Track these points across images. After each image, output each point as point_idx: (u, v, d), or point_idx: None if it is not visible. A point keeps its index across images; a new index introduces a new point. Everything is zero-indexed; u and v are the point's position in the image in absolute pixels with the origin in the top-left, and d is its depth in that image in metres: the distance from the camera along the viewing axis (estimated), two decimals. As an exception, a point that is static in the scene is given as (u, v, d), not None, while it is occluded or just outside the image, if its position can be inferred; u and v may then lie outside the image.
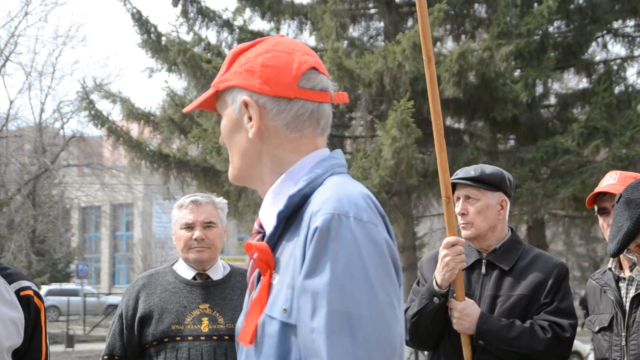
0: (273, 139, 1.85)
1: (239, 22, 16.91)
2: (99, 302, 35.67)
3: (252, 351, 1.81)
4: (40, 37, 42.54)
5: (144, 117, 16.57)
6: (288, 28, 16.82)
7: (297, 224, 1.79)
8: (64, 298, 33.33)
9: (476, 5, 16.25)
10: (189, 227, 3.74)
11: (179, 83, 29.76)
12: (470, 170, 3.64)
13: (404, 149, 13.12)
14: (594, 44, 16.54)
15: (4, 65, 28.70)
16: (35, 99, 72.17)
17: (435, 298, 3.49)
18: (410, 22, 16.23)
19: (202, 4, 16.73)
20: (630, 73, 30.65)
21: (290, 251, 1.78)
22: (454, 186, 3.64)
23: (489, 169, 3.66)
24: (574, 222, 17.41)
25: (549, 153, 14.34)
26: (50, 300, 33.89)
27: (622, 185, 3.39)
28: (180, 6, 16.58)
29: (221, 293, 3.74)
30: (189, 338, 3.64)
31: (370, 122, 14.82)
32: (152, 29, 16.22)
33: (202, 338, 3.64)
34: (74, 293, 34.82)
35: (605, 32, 16.55)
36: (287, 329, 1.73)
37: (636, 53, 16.78)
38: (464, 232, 3.64)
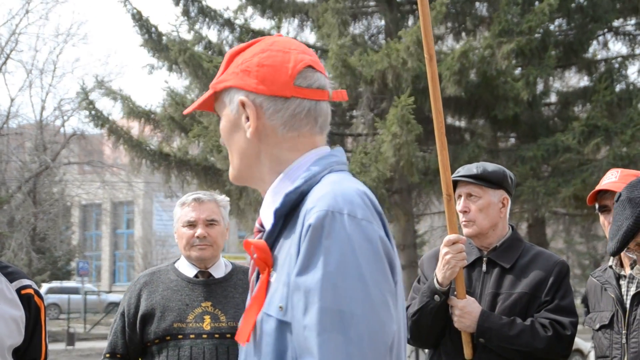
0: (271, 138, 1.86)
1: (240, 20, 16.91)
2: (100, 300, 35.69)
3: (251, 349, 1.82)
4: (41, 34, 42.60)
5: (145, 115, 16.57)
6: (289, 26, 16.82)
7: (294, 222, 1.79)
8: (65, 296, 33.36)
9: (477, 3, 16.24)
10: (191, 224, 3.74)
11: (179, 82, 29.80)
12: (472, 168, 3.64)
13: (404, 145, 13.11)
14: (594, 42, 16.54)
15: (5, 62, 28.71)
16: (36, 96, 72.23)
17: (436, 296, 3.49)
18: (411, 21, 16.23)
19: (203, 3, 16.73)
20: (631, 71, 30.61)
21: (287, 249, 1.78)
22: (455, 184, 3.64)
23: (490, 166, 3.66)
24: (574, 220, 17.41)
25: (549, 151, 14.34)
26: (50, 298, 33.92)
27: (623, 183, 3.39)
28: (181, 5, 16.59)
29: (223, 291, 3.74)
30: (191, 336, 3.64)
31: (371, 120, 14.82)
32: (153, 29, 16.22)
33: (204, 336, 3.64)
34: (75, 291, 34.85)
35: (606, 30, 16.55)
36: (284, 326, 1.73)
37: (637, 51, 16.78)
38: (465, 230, 3.63)
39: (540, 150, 14.35)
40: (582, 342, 15.98)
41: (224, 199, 3.86)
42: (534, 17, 14.11)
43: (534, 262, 3.59)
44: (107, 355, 3.76)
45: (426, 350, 3.83)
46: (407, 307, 3.60)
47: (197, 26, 16.82)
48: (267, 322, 1.76)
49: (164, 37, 15.94)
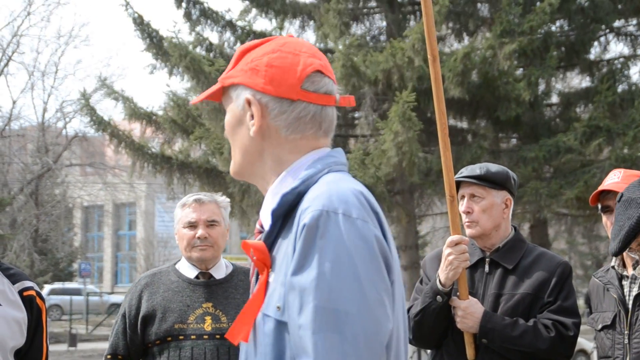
0: (273, 139, 1.86)
1: (242, 22, 16.91)
2: (102, 301, 35.74)
3: (251, 349, 1.82)
4: (42, 36, 42.66)
5: (146, 117, 16.58)
6: (290, 26, 16.83)
7: (292, 222, 1.79)
8: (67, 297, 33.40)
9: (479, 4, 16.25)
10: (192, 225, 3.75)
11: (181, 84, 29.77)
12: (476, 169, 3.64)
13: (406, 143, 13.10)
14: (596, 43, 16.53)
15: (6, 65, 28.72)
16: (38, 98, 72.32)
17: (438, 297, 3.49)
18: (412, 22, 16.22)
19: (205, 5, 16.74)
20: (633, 72, 30.63)
21: (285, 249, 1.78)
22: (458, 185, 3.63)
23: (494, 167, 3.66)
24: (576, 220, 17.40)
25: (551, 152, 14.34)
26: (52, 300, 33.96)
27: (625, 183, 3.39)
28: (183, 8, 16.59)
29: (224, 292, 3.74)
30: (192, 337, 3.64)
31: (374, 121, 14.82)
32: (154, 33, 16.23)
33: (205, 337, 3.64)
34: (77, 292, 34.90)
35: (607, 31, 16.54)
36: (282, 327, 1.73)
37: (639, 51, 16.77)
38: (468, 231, 3.63)
39: (542, 151, 14.34)
40: (586, 342, 16.00)
41: (224, 200, 3.87)
42: (535, 17, 14.11)
43: (536, 263, 3.58)
44: (109, 356, 3.76)
45: (428, 351, 3.83)
46: (410, 308, 3.59)
47: (198, 28, 16.83)
48: (266, 323, 1.76)
49: (164, 42, 15.94)
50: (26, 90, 32.81)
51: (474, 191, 3.61)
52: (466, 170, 3.66)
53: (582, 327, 3.70)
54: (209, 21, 16.81)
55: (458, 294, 3.51)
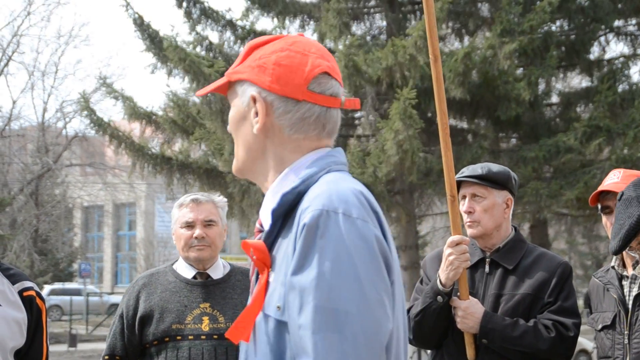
0: (276, 137, 1.86)
1: (242, 22, 16.92)
2: (102, 302, 35.73)
3: (252, 349, 1.82)
4: (42, 36, 42.63)
5: (146, 117, 16.58)
6: (290, 25, 16.83)
7: (292, 222, 1.79)
8: (67, 297, 33.40)
9: (479, 4, 16.25)
10: (190, 225, 3.74)
11: (181, 85, 29.78)
12: (477, 169, 3.64)
13: (406, 140, 13.10)
14: (596, 42, 16.53)
15: (6, 64, 28.73)
16: (38, 98, 72.27)
17: (439, 297, 3.48)
18: (413, 22, 16.22)
19: (206, 4, 16.74)
20: (633, 71, 30.63)
21: (285, 249, 1.78)
22: (459, 184, 3.63)
23: (495, 167, 3.66)
24: (576, 220, 17.41)
25: (551, 152, 14.33)
26: (53, 300, 33.95)
27: (625, 183, 3.39)
28: (184, 7, 16.59)
29: (221, 292, 3.74)
30: (190, 337, 3.64)
31: (375, 120, 14.81)
32: (154, 34, 16.23)
33: (203, 337, 3.64)
34: (77, 292, 34.90)
35: (607, 31, 16.55)
36: (282, 326, 1.73)
37: (639, 51, 16.77)
38: (469, 231, 3.62)
39: (542, 150, 14.34)
40: (587, 342, 16.00)
41: (221, 199, 3.87)
42: (535, 16, 14.12)
43: (536, 264, 3.58)
44: (106, 357, 3.76)
45: (428, 351, 3.83)
46: (410, 308, 3.59)
47: (198, 28, 16.83)
48: (266, 323, 1.76)
49: (164, 42, 15.94)
50: (26, 90, 32.86)
51: (476, 191, 3.61)
52: (467, 170, 3.66)
53: (583, 327, 3.71)
54: (209, 21, 16.81)
55: (458, 294, 3.51)
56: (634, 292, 3.53)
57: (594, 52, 16.70)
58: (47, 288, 33.89)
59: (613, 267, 3.67)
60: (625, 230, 2.81)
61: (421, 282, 3.74)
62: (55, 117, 30.89)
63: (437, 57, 3.33)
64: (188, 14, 16.64)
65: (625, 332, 3.51)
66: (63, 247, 34.54)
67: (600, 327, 3.64)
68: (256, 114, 1.86)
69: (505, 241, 3.65)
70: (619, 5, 15.82)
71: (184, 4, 16.61)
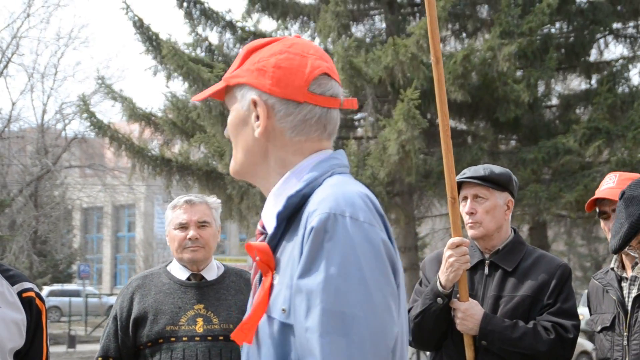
0: (278, 140, 1.86)
1: (241, 23, 16.92)
2: (101, 303, 35.69)
3: (254, 352, 1.82)
4: (42, 38, 42.58)
5: (145, 118, 16.58)
6: (291, 27, 16.83)
7: (297, 225, 1.79)
8: (66, 299, 33.36)
9: (478, 6, 16.26)
10: (183, 227, 3.74)
11: (181, 87, 29.78)
12: (480, 170, 3.64)
13: (410, 141, 13.10)
14: (595, 45, 16.54)
15: (6, 66, 28.71)
16: (38, 100, 72.18)
17: (439, 298, 3.48)
18: (412, 23, 16.23)
19: (206, 5, 16.75)
20: (633, 73, 30.63)
21: (290, 251, 1.78)
22: (460, 186, 3.62)
23: (497, 169, 3.66)
24: (575, 222, 17.39)
25: (550, 153, 14.33)
26: (52, 301, 33.92)
27: (620, 188, 3.39)
28: (184, 8, 16.60)
29: (215, 293, 3.74)
30: (184, 339, 3.64)
31: (375, 121, 14.81)
32: (154, 36, 16.23)
33: (197, 339, 3.64)
34: (76, 294, 34.87)
35: (607, 33, 16.56)
36: (287, 329, 1.73)
37: (639, 53, 16.77)
38: (471, 232, 3.62)
39: (541, 152, 14.34)
40: (588, 343, 15.99)
41: (215, 201, 3.87)
42: (534, 18, 14.13)
43: (536, 265, 3.58)
44: (100, 358, 3.75)
45: (427, 353, 3.83)
46: (409, 310, 3.59)
47: (199, 28, 16.84)
48: (270, 325, 1.76)
49: (163, 49, 15.93)
50: (25, 92, 32.74)
51: (478, 192, 3.61)
52: (469, 171, 3.66)
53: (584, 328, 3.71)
54: (209, 21, 16.82)
55: (458, 296, 3.51)
56: (633, 293, 3.54)
57: (594, 54, 16.71)
58: (46, 289, 33.87)
59: (612, 269, 3.68)
60: (625, 229, 2.81)
61: (420, 283, 3.74)
62: (55, 119, 30.88)
63: (438, 59, 3.32)
64: (188, 15, 16.65)
65: (625, 334, 3.51)
66: (62, 249, 34.51)
67: (599, 328, 3.64)
68: (257, 117, 1.85)
69: (505, 243, 3.65)
70: (619, 8, 15.83)
71: (185, 4, 16.62)
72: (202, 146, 15.57)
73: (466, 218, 3.61)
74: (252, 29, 16.89)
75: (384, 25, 16.64)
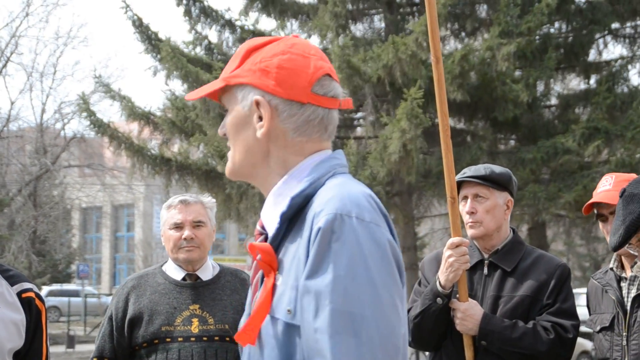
0: (280, 141, 1.86)
1: (240, 22, 16.93)
2: (100, 303, 35.65)
3: (255, 352, 1.82)
4: (41, 37, 42.52)
5: (144, 117, 16.57)
6: (290, 27, 16.83)
7: (300, 225, 1.79)
8: (65, 299, 33.34)
9: (477, 5, 16.26)
10: (178, 227, 3.74)
11: (181, 87, 29.81)
12: (480, 169, 3.63)
13: (413, 140, 13.10)
14: (594, 45, 16.55)
15: (5, 65, 28.71)
16: (37, 99, 72.22)
17: (438, 299, 3.48)
18: (411, 23, 16.23)
19: (205, 3, 16.75)
20: (632, 73, 30.65)
21: (294, 252, 1.78)
22: (460, 185, 3.62)
23: (497, 168, 3.66)
24: (574, 222, 17.40)
25: (549, 153, 14.34)
26: (51, 301, 33.89)
27: (617, 190, 3.40)
28: (183, 5, 16.60)
29: (211, 293, 3.73)
30: (179, 339, 3.63)
31: (375, 120, 14.80)
32: (153, 35, 16.22)
33: (192, 339, 3.63)
34: (75, 294, 34.84)
35: (606, 33, 16.56)
36: (292, 330, 1.74)
37: (638, 53, 16.78)
38: (471, 231, 3.62)
39: (540, 152, 14.35)
40: (589, 343, 15.98)
41: (210, 200, 3.87)
42: (532, 18, 14.13)
43: (535, 265, 3.58)
44: (95, 359, 3.75)
45: (427, 353, 3.83)
46: (408, 310, 3.59)
47: (198, 26, 16.84)
48: (274, 326, 1.76)
49: (162, 51, 15.92)
50: (24, 91, 32.85)
51: (479, 191, 3.60)
52: (470, 171, 3.65)
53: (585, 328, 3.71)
54: (208, 20, 16.81)
55: (457, 296, 3.51)
56: (633, 293, 3.54)
57: (592, 54, 16.72)
58: (45, 289, 33.85)
59: (611, 269, 3.68)
60: (625, 226, 2.81)
61: (419, 283, 3.74)
62: (54, 118, 30.87)
63: (438, 58, 3.32)
64: (187, 13, 16.65)
65: (624, 334, 3.52)
66: (61, 249, 34.52)
67: (598, 328, 3.64)
68: (259, 118, 1.85)
69: (504, 243, 3.65)
70: (617, 8, 15.83)
71: (184, 2, 16.61)
72: (202, 146, 15.57)
73: (466, 217, 3.61)
74: (251, 27, 16.89)
75: (383, 25, 16.64)
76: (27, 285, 3.09)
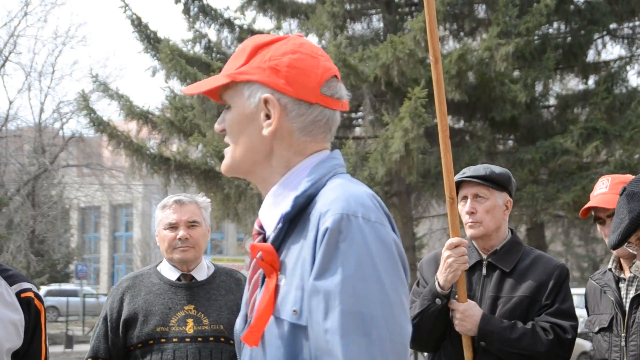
0: (285, 140, 1.85)
1: (239, 21, 16.93)
2: (98, 303, 35.58)
3: (258, 354, 1.81)
4: (39, 37, 42.62)
5: (143, 116, 16.57)
6: (289, 27, 16.83)
7: (303, 225, 1.79)
8: (63, 299, 33.31)
9: (476, 5, 16.27)
10: (173, 227, 3.73)
11: (180, 87, 29.77)
12: (480, 169, 3.63)
13: (415, 139, 13.10)
14: (593, 45, 16.56)
15: (3, 65, 28.70)
16: (35, 99, 72.16)
17: (437, 299, 3.48)
18: (409, 22, 16.23)
19: (204, 1, 16.74)
20: (631, 74, 30.64)
21: (297, 253, 1.78)
22: (459, 185, 3.62)
23: (497, 169, 3.66)
24: (573, 223, 17.41)
25: (548, 153, 14.35)
26: (49, 301, 33.86)
27: (613, 193, 3.39)
28: (182, 2, 16.60)
29: (206, 294, 3.73)
30: (174, 340, 3.62)
31: (374, 120, 14.80)
32: (152, 34, 16.21)
33: (187, 340, 3.63)
34: (73, 294, 34.81)
35: (604, 33, 16.57)
36: (297, 330, 1.74)
37: (637, 53, 16.79)
38: (470, 231, 3.61)
39: (539, 152, 14.35)
40: (589, 343, 15.98)
41: (204, 200, 3.86)
42: (531, 18, 14.15)
43: (534, 266, 3.58)
44: (90, 359, 3.74)
45: (425, 354, 3.83)
46: (407, 311, 3.58)
47: (197, 25, 16.84)
48: (279, 326, 1.76)
49: (160, 52, 15.91)
50: (23, 91, 32.88)
51: (478, 191, 3.60)
52: (469, 171, 3.65)
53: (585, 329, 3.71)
54: (207, 18, 16.81)
55: (456, 296, 3.51)
56: (631, 294, 3.54)
57: (591, 55, 16.72)
58: (43, 289, 33.81)
59: (610, 270, 3.68)
60: (625, 224, 2.81)
61: (417, 284, 3.73)
62: (52, 118, 30.86)
63: (437, 58, 3.32)
64: (186, 11, 16.64)
65: (623, 335, 3.52)
66: (59, 248, 34.50)
67: (597, 329, 3.64)
68: (267, 116, 1.84)
69: (502, 243, 3.65)
70: (616, 8, 15.84)
71: (182, 1, 16.61)
72: (200, 146, 15.57)
73: (466, 217, 3.61)
74: (250, 26, 16.89)
75: (381, 25, 16.65)
76: (26, 285, 3.09)
